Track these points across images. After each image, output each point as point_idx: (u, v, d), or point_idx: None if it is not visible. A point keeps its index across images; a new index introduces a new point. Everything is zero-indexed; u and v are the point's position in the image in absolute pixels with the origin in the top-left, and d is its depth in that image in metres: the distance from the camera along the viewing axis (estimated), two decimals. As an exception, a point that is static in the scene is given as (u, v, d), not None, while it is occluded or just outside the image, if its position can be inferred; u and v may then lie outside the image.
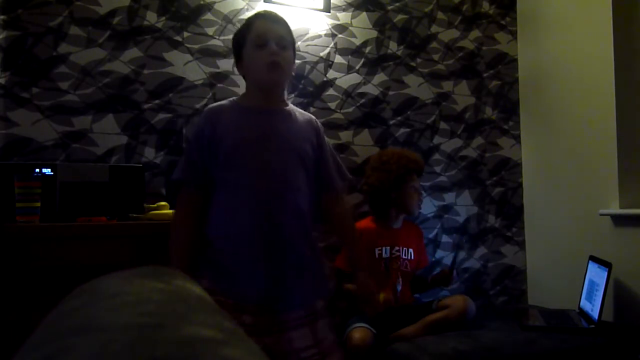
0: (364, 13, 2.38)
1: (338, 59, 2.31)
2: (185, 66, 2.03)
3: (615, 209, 2.12)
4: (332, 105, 2.29)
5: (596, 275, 2.01)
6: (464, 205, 2.52)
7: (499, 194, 2.62)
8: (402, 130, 2.42)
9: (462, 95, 2.57)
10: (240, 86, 2.07)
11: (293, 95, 2.21)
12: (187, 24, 2.05)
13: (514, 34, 2.72)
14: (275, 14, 1.47)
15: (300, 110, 1.53)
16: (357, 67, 2.35)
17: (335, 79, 2.30)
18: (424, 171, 2.24)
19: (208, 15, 2.09)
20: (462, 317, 1.83)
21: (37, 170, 1.55)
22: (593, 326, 1.87)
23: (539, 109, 2.58)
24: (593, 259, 2.09)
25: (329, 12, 2.29)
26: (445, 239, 2.47)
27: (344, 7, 2.34)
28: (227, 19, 2.11)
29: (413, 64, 2.47)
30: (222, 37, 2.09)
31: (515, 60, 2.71)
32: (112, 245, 1.46)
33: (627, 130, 2.13)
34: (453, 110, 2.54)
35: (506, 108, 2.67)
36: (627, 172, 2.12)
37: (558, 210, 2.44)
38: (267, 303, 1.33)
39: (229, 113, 1.42)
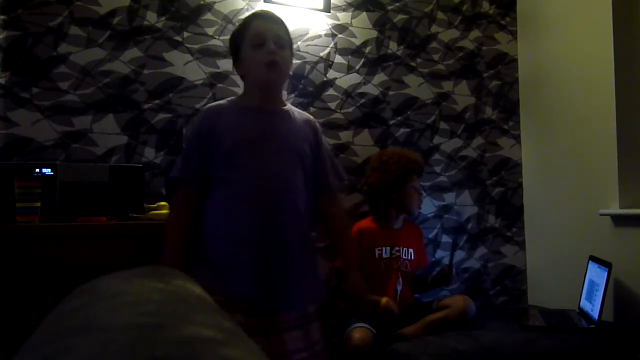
0: (364, 13, 2.38)
1: (338, 59, 2.31)
2: (185, 66, 2.03)
3: (615, 209, 2.12)
4: (332, 105, 2.29)
5: (596, 275, 2.01)
6: (464, 205, 2.53)
7: (499, 194, 2.62)
8: (402, 130, 2.42)
9: (462, 95, 2.57)
10: (240, 86, 2.07)
11: (293, 95, 2.21)
12: (187, 24, 2.05)
13: (514, 34, 2.72)
14: (273, 13, 1.47)
15: (299, 110, 1.53)
16: (357, 67, 2.35)
17: (335, 79, 2.30)
18: (424, 171, 2.24)
19: (208, 15, 2.09)
20: (462, 317, 1.83)
21: (37, 170, 1.55)
22: (593, 326, 1.87)
23: (539, 109, 2.58)
24: (593, 259, 2.09)
25: (329, 12, 2.29)
26: (445, 239, 2.47)
27: (344, 7, 2.34)
28: (227, 19, 2.11)
29: (413, 64, 2.47)
30: (222, 37, 2.09)
31: (515, 60, 2.71)
32: (112, 245, 1.46)
33: (627, 130, 2.13)
34: (453, 110, 2.54)
35: (506, 108, 2.67)
36: (627, 172, 2.12)
37: (558, 210, 2.44)
38: (261, 303, 1.32)
39: (227, 113, 1.42)
